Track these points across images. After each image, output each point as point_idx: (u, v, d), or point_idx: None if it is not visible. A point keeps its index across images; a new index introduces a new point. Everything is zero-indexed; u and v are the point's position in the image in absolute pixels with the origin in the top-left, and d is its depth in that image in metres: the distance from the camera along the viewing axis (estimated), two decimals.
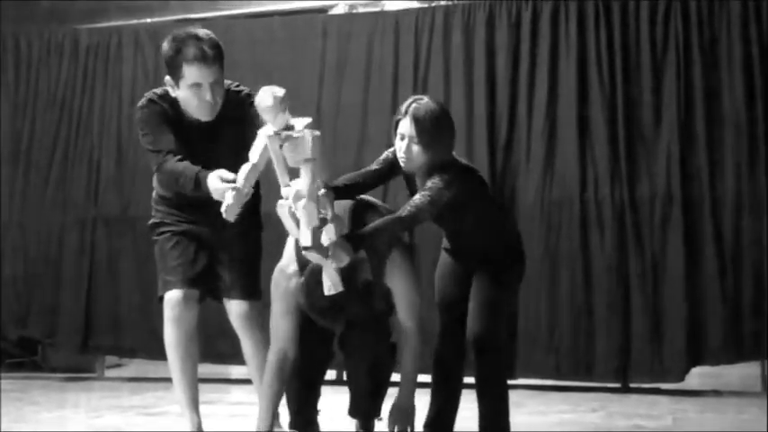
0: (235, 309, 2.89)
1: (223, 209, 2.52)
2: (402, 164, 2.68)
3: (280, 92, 2.29)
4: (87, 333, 5.20)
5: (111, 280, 5.22)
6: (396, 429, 2.73)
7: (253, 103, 2.45)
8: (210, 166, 2.68)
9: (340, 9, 5.26)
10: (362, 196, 2.70)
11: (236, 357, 3.28)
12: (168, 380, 2.99)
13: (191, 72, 2.70)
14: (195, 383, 2.91)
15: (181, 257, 2.86)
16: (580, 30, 4.66)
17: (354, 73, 4.99)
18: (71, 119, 5.44)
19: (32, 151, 5.49)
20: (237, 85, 2.91)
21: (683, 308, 4.35)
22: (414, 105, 2.63)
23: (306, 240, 2.31)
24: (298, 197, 2.32)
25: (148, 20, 5.46)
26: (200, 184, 2.64)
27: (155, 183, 2.98)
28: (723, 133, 4.44)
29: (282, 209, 2.37)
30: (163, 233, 2.92)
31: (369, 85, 4.96)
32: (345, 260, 2.34)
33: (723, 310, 4.31)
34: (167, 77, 2.79)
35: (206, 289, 2.91)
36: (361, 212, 2.60)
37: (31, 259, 5.37)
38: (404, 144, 2.64)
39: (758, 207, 4.34)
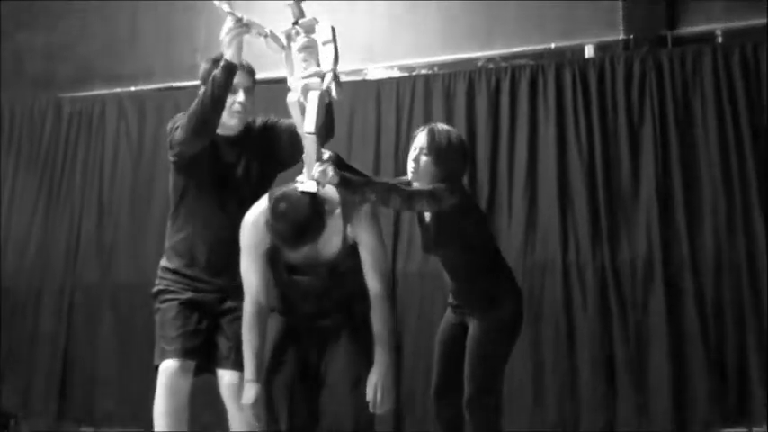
0: (227, 379, 2.87)
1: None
2: (410, 173, 2.76)
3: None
4: (62, 402, 5.08)
5: (89, 347, 5.12)
6: (378, 410, 2.61)
7: (274, 121, 2.94)
8: (226, 187, 2.87)
9: None
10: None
11: (219, 426, 3.23)
12: None
13: None
14: None
15: (182, 328, 2.85)
16: (558, 96, 4.76)
17: (336, 140, 4.91)
18: (52, 184, 5.44)
19: (12, 216, 5.46)
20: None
21: (668, 373, 4.31)
22: (434, 124, 2.84)
23: (310, 126, 2.48)
24: (306, 89, 2.52)
25: (132, 88, 5.52)
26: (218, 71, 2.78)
27: (167, 244, 3.02)
28: (701, 194, 4.49)
29: (292, 99, 2.56)
30: (166, 300, 2.92)
31: (350, 150, 4.99)
32: (332, 182, 2.50)
33: (708, 373, 4.29)
34: (201, 89, 2.97)
35: (201, 362, 2.89)
36: (342, 167, 2.65)
37: (6, 327, 5.26)
38: (414, 153, 2.77)
39: (738, 267, 4.35)
